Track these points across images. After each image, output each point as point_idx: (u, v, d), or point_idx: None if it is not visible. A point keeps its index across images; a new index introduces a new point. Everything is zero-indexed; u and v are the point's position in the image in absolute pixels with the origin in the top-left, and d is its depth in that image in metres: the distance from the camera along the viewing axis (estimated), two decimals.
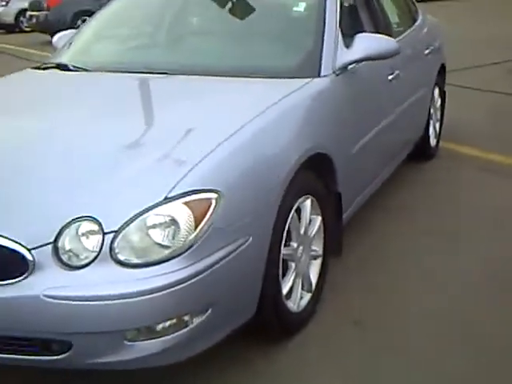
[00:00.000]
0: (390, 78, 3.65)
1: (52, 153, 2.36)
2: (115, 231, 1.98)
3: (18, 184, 2.18)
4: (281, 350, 2.58)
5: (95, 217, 2.00)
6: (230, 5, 3.44)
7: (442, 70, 5.14)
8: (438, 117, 5.27)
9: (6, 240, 1.98)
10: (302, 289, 2.71)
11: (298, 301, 2.67)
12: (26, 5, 17.01)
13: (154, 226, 2.01)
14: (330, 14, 3.21)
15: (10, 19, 19.06)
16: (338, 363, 2.51)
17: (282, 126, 2.53)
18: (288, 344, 2.61)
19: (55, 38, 3.94)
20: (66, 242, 1.99)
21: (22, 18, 18.71)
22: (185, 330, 2.07)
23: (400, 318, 2.81)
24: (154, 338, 2.04)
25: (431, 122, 4.98)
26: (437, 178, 4.68)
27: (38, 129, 2.59)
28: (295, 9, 3.39)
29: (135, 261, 1.99)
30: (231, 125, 2.39)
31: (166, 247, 2.00)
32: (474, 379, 2.39)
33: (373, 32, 3.51)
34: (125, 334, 2.00)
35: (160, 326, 2.03)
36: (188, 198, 2.05)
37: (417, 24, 4.66)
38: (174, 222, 2.01)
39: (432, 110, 4.96)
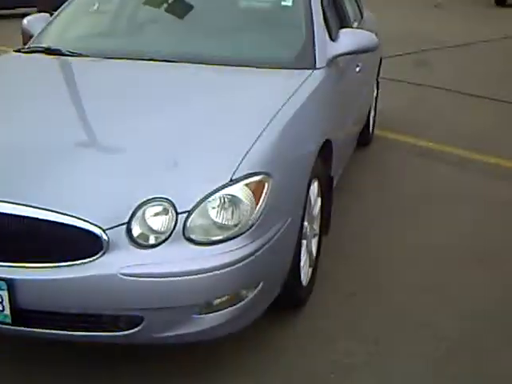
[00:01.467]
0: (357, 69, 3.94)
1: (108, 136, 2.44)
2: (188, 211, 2.11)
3: (83, 166, 2.23)
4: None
5: (168, 198, 2.11)
6: None
7: (380, 62, 5.52)
8: (374, 105, 5.67)
9: (81, 221, 2.05)
10: None
11: (307, 275, 2.90)
12: None
13: (221, 206, 2.16)
14: (316, 8, 3.44)
15: None
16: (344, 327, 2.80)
17: (304, 115, 2.75)
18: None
19: (25, 21, 3.86)
20: (139, 223, 2.09)
21: None
22: (243, 302, 2.25)
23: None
24: (219, 311, 2.20)
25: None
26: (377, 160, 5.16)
27: (84, 112, 2.66)
28: (283, 3, 3.56)
29: (205, 239, 2.13)
30: (265, 113, 2.57)
31: (232, 226, 2.16)
32: None
33: (339, 27, 3.78)
34: (193, 308, 2.15)
35: (224, 299, 2.20)
36: (248, 180, 2.21)
37: (364, 18, 4.99)
38: (238, 202, 2.18)
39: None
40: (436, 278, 3.24)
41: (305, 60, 3.18)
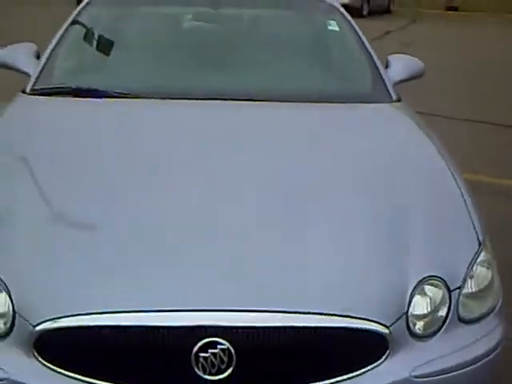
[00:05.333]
0: None
1: (333, 209, 2.00)
2: (459, 287, 1.83)
3: (336, 252, 1.85)
4: None
5: (439, 275, 1.81)
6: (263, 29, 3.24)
7: None
8: None
9: (363, 321, 1.67)
10: None
11: None
12: None
13: (478, 275, 1.90)
14: (360, 31, 3.19)
15: None
16: None
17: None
18: None
19: (4, 52, 3.05)
20: (417, 310, 1.77)
21: None
22: None
23: None
24: None
25: None
26: None
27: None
28: (330, 27, 3.24)
29: (473, 316, 1.87)
30: (440, 160, 2.33)
31: (488, 295, 1.92)
32: None
33: None
34: None
35: None
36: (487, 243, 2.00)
37: None
38: (490, 267, 1.95)
39: None
40: None
41: (380, 92, 2.86)
